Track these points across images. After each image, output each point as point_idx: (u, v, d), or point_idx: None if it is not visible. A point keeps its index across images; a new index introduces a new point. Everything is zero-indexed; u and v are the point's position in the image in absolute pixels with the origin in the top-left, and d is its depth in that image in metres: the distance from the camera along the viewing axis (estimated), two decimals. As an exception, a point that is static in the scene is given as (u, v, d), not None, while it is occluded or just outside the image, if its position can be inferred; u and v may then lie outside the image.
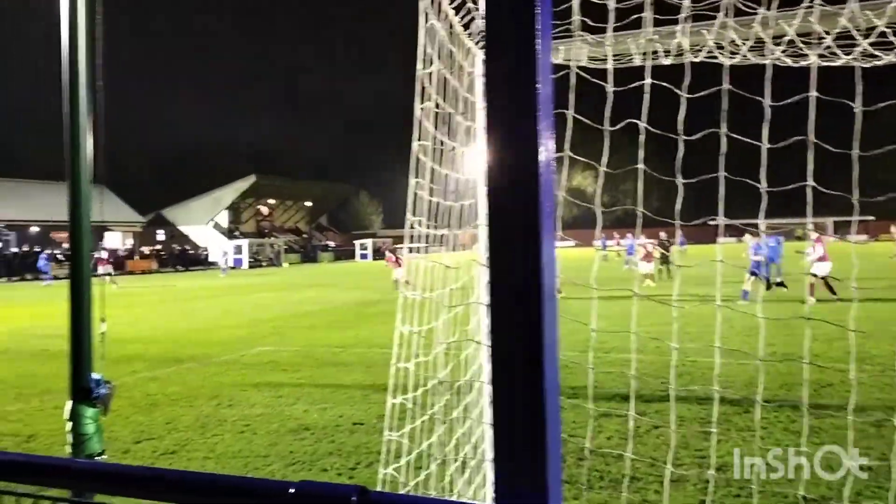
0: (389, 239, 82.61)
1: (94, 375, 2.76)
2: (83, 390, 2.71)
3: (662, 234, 27.15)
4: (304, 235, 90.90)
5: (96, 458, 2.77)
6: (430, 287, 3.92)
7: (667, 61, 4.19)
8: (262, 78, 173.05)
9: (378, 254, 76.52)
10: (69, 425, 2.74)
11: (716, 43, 3.94)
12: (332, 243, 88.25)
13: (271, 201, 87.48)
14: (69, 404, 2.74)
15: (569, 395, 8.34)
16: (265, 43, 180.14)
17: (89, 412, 2.71)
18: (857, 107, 3.67)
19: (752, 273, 18.46)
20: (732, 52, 3.99)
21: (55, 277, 39.55)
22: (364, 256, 75.24)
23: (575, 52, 4.18)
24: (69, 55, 2.72)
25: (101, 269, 38.23)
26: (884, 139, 3.97)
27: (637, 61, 4.20)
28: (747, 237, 20.83)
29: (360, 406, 8.40)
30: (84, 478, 1.94)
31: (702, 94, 3.74)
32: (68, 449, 2.80)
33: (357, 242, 79.89)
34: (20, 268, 50.64)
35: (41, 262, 42.67)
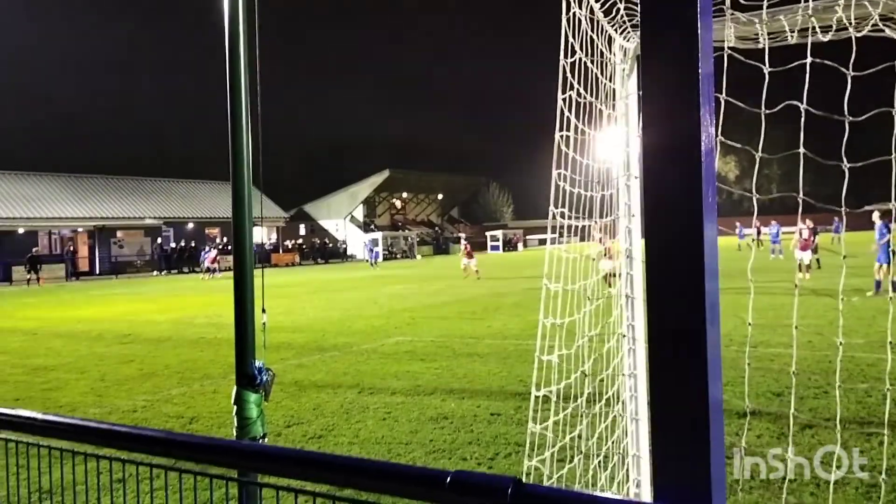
0: (520, 230, 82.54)
1: (257, 363, 2.94)
2: (247, 377, 2.89)
3: (809, 222, 24.36)
4: (437, 228, 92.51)
5: (259, 440, 2.95)
6: (571, 278, 3.88)
7: (825, 38, 3.90)
8: (394, 74, 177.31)
9: (509, 245, 76.63)
10: (234, 409, 2.94)
11: (881, 15, 3.63)
12: (463, 235, 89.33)
13: (405, 195, 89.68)
14: (235, 389, 2.93)
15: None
16: (397, 38, 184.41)
17: (252, 397, 2.89)
18: None
19: (882, 261, 16.48)
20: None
21: (210, 270, 41.97)
22: (495, 248, 75.55)
23: (725, 32, 3.97)
24: (230, 63, 2.89)
25: (209, 266, 40.48)
26: None
27: (790, 40, 3.95)
28: (875, 216, 17.89)
29: (497, 396, 8.46)
30: (251, 458, 2.08)
31: (867, 72, 3.45)
32: (234, 432, 3.00)
33: (488, 234, 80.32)
34: (178, 262, 54.87)
35: (202, 256, 45.61)
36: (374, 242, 61.48)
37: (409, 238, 75.45)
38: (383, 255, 66.89)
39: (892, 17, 3.72)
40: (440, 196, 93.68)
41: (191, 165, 77.76)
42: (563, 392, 3.78)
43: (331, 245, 71.90)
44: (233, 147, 2.93)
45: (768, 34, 3.85)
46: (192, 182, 68.35)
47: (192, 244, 56.73)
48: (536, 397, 3.55)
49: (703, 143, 1.65)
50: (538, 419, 3.48)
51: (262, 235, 69.43)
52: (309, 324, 16.77)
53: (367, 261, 49.86)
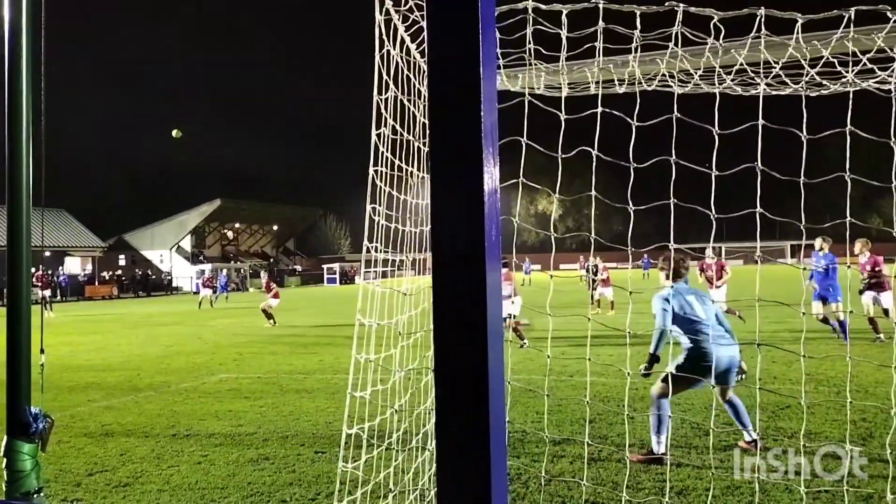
0: (357, 262, 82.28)
1: (33, 409, 2.65)
2: (20, 424, 2.60)
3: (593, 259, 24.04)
4: (271, 260, 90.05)
5: (34, 495, 2.66)
6: (386, 314, 3.88)
7: (621, 90, 4.25)
8: (228, 101, 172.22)
9: (346, 278, 76.12)
10: (4, 461, 2.63)
11: (668, 72, 4.01)
12: (299, 267, 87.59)
13: (237, 225, 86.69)
14: (5, 440, 2.63)
15: (533, 420, 8.32)
16: (232, 64, 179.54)
17: (26, 448, 2.60)
18: (804, 135, 3.75)
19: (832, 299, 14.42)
20: (683, 81, 4.06)
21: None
22: (332, 280, 74.79)
23: (533, 80, 4.21)
24: (9, 66, 2.65)
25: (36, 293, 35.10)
26: (833, 165, 4.06)
27: (593, 89, 4.26)
28: (818, 242, 14.99)
29: (323, 434, 8.26)
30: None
31: (653, 121, 3.79)
32: (4, 487, 2.68)
33: (325, 266, 79.39)
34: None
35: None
36: (216, 272, 57.32)
37: (241, 270, 72.86)
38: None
39: (674, 74, 4.13)
40: (275, 227, 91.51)
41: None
42: (377, 428, 3.75)
43: (153, 277, 67.72)
44: (10, 160, 2.67)
45: (569, 84, 4.13)
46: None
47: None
48: (348, 435, 3.49)
49: (485, 184, 1.71)
50: (349, 458, 3.41)
51: (76, 266, 64.22)
52: (123, 361, 15.60)
53: (207, 296, 38.22)
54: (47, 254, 57.73)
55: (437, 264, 1.73)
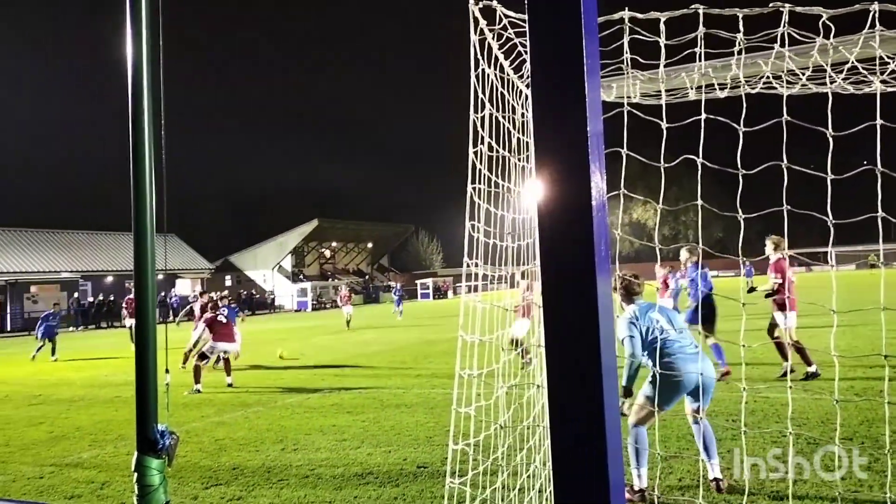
0: (450, 278, 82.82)
1: (160, 426, 2.80)
2: (148, 441, 2.75)
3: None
4: (367, 276, 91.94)
5: (163, 508, 2.80)
6: (487, 329, 3.89)
7: (722, 94, 4.12)
8: (325, 124, 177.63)
9: (439, 292, 76.70)
10: (135, 476, 2.79)
11: (773, 73, 3.87)
12: (393, 284, 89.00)
13: (334, 244, 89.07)
14: (135, 455, 2.79)
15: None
16: (328, 89, 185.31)
17: (154, 463, 2.75)
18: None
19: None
20: (790, 82, 3.90)
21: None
22: (425, 296, 75.48)
23: (628, 89, 4.15)
24: (133, 106, 2.83)
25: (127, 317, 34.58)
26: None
27: (692, 95, 4.16)
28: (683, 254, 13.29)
29: (424, 448, 8.34)
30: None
31: (760, 126, 3.66)
32: (135, 500, 2.85)
33: (418, 282, 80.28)
34: (96, 317, 52.66)
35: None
36: (302, 293, 59.13)
37: (339, 287, 74.69)
38: (312, 304, 65.87)
39: (780, 75, 3.97)
40: (370, 245, 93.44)
41: (109, 217, 75.31)
42: (482, 444, 3.75)
43: (258, 296, 70.42)
44: (135, 190, 2.84)
45: (667, 91, 4.05)
46: (111, 234, 66.16)
47: (112, 298, 54.60)
48: (454, 450, 3.52)
49: (594, 201, 1.70)
50: (456, 473, 3.43)
51: (186, 288, 67.52)
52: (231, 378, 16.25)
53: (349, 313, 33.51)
54: (160, 277, 61.05)
55: (547, 281, 1.73)
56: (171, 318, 50.60)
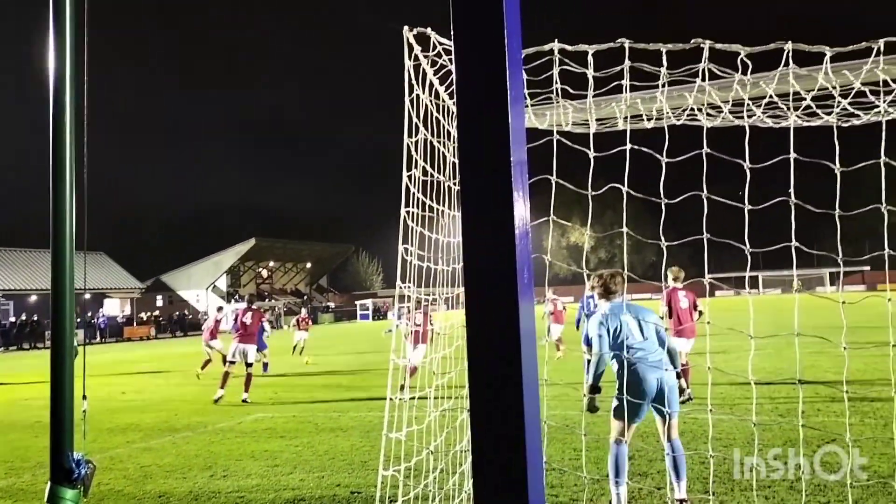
0: (390, 298, 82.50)
1: (75, 455, 2.69)
2: (63, 471, 2.64)
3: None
4: (305, 297, 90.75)
5: (77, 540, 2.69)
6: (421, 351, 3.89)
7: (649, 125, 4.26)
8: (260, 141, 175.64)
9: (378, 313, 76.30)
10: (49, 507, 2.67)
11: (696, 106, 4.02)
12: (332, 304, 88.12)
13: (271, 263, 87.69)
14: (48, 486, 2.67)
15: (570, 458, 8.19)
16: (263, 104, 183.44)
17: (69, 494, 2.64)
18: (837, 167, 3.71)
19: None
20: (711, 115, 4.06)
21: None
22: (365, 317, 74.97)
23: (559, 117, 4.25)
24: (54, 116, 2.75)
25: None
26: (869, 195, 4.01)
27: (621, 125, 4.28)
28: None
29: (359, 473, 8.23)
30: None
31: (682, 157, 3.79)
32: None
33: (358, 303, 79.71)
34: (17, 337, 50.41)
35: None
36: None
37: (276, 308, 73.43)
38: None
39: (702, 108, 4.13)
40: (308, 265, 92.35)
41: (30, 233, 72.34)
42: (413, 468, 3.73)
43: (190, 317, 68.61)
44: (54, 207, 2.74)
45: (597, 120, 4.16)
46: (34, 251, 63.41)
47: (35, 318, 52.37)
48: (384, 476, 3.49)
49: (517, 229, 1.73)
50: (386, 499, 3.39)
51: (115, 307, 65.39)
52: (161, 402, 15.76)
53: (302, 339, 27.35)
54: (87, 296, 58.79)
55: (470, 306, 1.75)
56: (97, 338, 48.68)
